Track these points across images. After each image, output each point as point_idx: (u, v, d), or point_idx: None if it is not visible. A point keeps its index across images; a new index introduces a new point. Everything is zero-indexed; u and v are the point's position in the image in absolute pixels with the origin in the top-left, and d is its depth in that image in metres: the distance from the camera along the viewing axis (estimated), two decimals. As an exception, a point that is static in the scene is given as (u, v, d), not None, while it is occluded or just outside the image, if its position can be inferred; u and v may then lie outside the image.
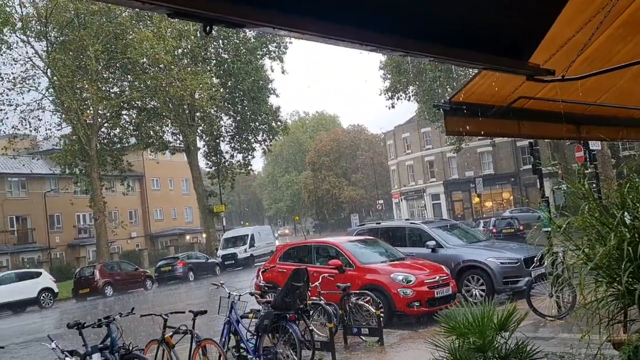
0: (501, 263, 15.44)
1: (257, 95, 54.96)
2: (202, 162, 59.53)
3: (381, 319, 11.81)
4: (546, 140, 37.37)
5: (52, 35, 46.01)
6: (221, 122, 56.81)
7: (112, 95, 48.98)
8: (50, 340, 8.49)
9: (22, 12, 44.62)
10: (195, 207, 66.26)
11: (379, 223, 20.98)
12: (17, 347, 18.71)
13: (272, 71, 67.51)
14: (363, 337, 12.03)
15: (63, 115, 46.50)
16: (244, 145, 57.98)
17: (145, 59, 45.87)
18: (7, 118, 44.58)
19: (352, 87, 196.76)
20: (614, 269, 4.81)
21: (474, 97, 5.63)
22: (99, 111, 47.66)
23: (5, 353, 16.06)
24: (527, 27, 3.90)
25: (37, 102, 46.39)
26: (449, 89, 49.75)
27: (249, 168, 60.88)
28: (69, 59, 44.76)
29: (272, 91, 57.48)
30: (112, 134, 52.62)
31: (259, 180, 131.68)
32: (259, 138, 58.68)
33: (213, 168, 58.36)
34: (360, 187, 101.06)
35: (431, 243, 16.60)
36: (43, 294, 35.99)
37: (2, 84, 44.07)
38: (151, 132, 52.16)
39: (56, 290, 37.16)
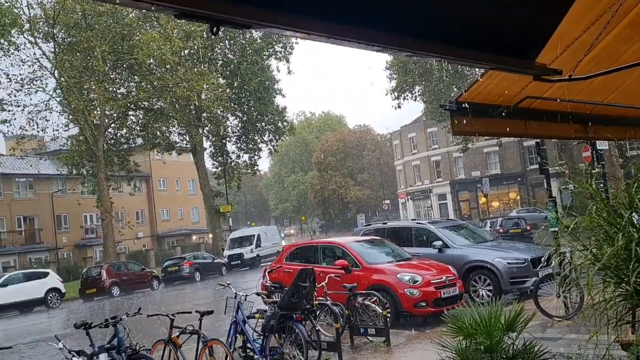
0: (508, 263, 15.40)
1: (263, 96, 54.98)
2: (209, 163, 59.70)
3: (388, 319, 11.79)
4: (553, 140, 37.26)
5: (60, 36, 46.17)
6: (227, 122, 56.90)
7: (119, 95, 49.12)
8: (58, 340, 8.50)
9: (29, 14, 44.87)
10: (201, 207, 66.33)
11: (386, 223, 20.95)
12: (24, 347, 18.74)
13: (279, 71, 67.91)
14: (369, 338, 12.02)
15: (70, 116, 46.63)
16: (250, 146, 58.02)
17: (152, 60, 45.96)
18: (15, 119, 44.76)
19: (358, 87, 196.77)
20: (622, 269, 4.79)
21: (481, 97, 5.62)
22: (106, 112, 47.78)
23: (13, 353, 16.10)
24: (533, 27, 3.89)
25: (45, 103, 46.64)
26: (455, 89, 49.66)
27: (255, 168, 60.89)
28: (76, 60, 44.91)
29: (278, 91, 57.55)
30: (119, 134, 52.75)
31: (265, 180, 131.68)
32: (265, 138, 58.77)
33: (219, 168, 58.39)
34: (366, 187, 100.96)
35: (438, 243, 16.57)
36: (50, 294, 36.08)
37: (10, 85, 44.30)
38: (158, 132, 52.29)
39: (63, 290, 37.24)
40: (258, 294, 12.04)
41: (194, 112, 52.28)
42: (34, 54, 45.72)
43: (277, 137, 59.26)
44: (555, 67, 4.49)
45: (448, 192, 79.01)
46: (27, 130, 45.58)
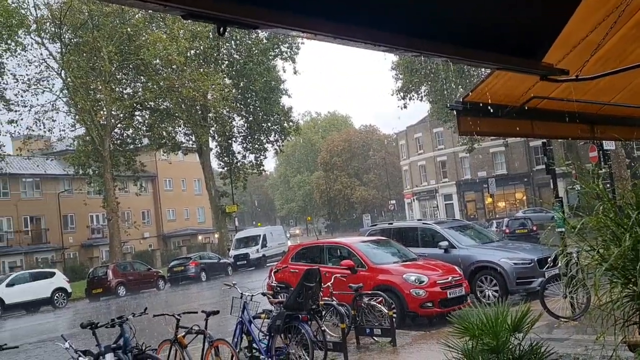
0: (514, 264, 15.37)
1: (269, 96, 55.05)
2: (215, 163, 59.79)
3: (394, 319, 11.78)
4: (559, 140, 37.19)
5: (66, 36, 46.29)
6: (233, 122, 56.98)
7: (125, 96, 49.23)
8: (64, 340, 8.51)
9: (36, 14, 45.05)
10: (207, 207, 66.45)
11: (391, 223, 20.95)
12: (31, 347, 18.82)
13: (284, 72, 67.85)
14: (375, 338, 12.01)
15: (77, 116, 46.76)
16: (256, 146, 58.08)
17: (158, 60, 46.09)
18: (22, 119, 44.89)
19: (364, 87, 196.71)
20: (629, 269, 4.78)
21: (487, 97, 5.61)
22: (112, 112, 47.88)
23: (20, 352, 16.16)
24: (540, 27, 3.88)
25: (51, 103, 46.81)
26: (461, 89, 49.57)
27: (261, 168, 60.97)
28: (82, 61, 45.05)
29: (284, 92, 57.59)
30: (125, 134, 52.87)
31: (271, 180, 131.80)
32: (271, 138, 58.81)
33: (225, 168, 58.47)
34: (372, 188, 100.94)
35: (444, 243, 16.54)
36: (57, 294, 36.19)
37: (17, 86, 44.49)
38: (164, 132, 52.40)
39: (69, 290, 37.36)
40: (264, 294, 12.04)
41: (200, 112, 52.34)
42: (41, 54, 46.11)
43: (282, 137, 59.31)
44: (562, 67, 4.48)
45: (454, 193, 78.92)
46: (33, 131, 45.74)
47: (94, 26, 44.77)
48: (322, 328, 10.71)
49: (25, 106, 44.78)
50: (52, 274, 37.87)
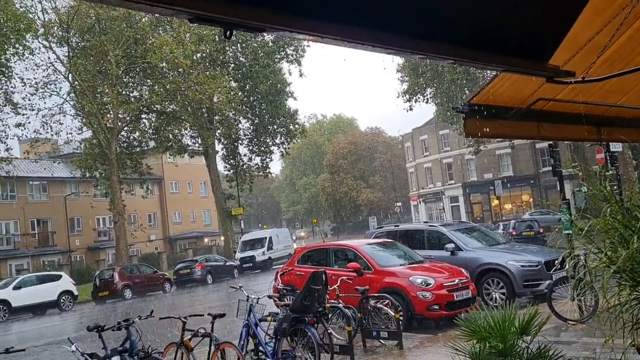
0: (521, 266, 15.33)
1: (274, 99, 55.15)
2: (221, 165, 59.91)
3: (400, 322, 11.76)
4: (566, 142, 37.12)
5: (74, 40, 46.51)
6: (239, 125, 57.09)
7: (132, 99, 49.38)
8: (70, 343, 8.53)
9: (44, 18, 45.28)
10: (213, 209, 66.53)
11: (398, 226, 20.93)
12: (37, 350, 18.85)
13: (290, 74, 67.96)
14: (382, 341, 11.99)
15: (84, 120, 46.87)
16: (262, 148, 58.15)
17: (164, 64, 46.23)
18: (29, 122, 45.29)
19: (369, 89, 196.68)
20: (637, 272, 4.76)
21: (493, 99, 5.61)
22: (119, 115, 48.00)
23: (26, 355, 16.20)
24: (546, 28, 3.87)
25: (59, 106, 47.03)
26: (467, 91, 49.55)
27: (267, 171, 61.06)
28: (89, 64, 45.21)
29: (289, 94, 57.65)
30: (131, 137, 52.99)
31: (277, 183, 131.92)
32: (277, 141, 58.88)
33: (231, 171, 58.58)
34: (378, 190, 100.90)
35: (450, 246, 16.53)
36: (63, 297, 36.26)
37: (25, 89, 44.71)
38: (170, 135, 52.52)
39: (76, 293, 37.43)
40: (270, 297, 12.02)
41: (206, 115, 52.46)
42: (49, 58, 46.11)
43: (288, 140, 59.37)
44: (568, 68, 4.47)
45: (460, 195, 78.82)
46: (41, 134, 45.97)
47: (101, 30, 44.94)
48: (329, 331, 10.70)
49: (33, 109, 45.00)
50: (58, 277, 37.95)
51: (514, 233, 37.34)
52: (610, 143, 19.53)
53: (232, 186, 60.34)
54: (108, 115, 47.29)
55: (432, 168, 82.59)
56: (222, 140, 56.55)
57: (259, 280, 33.61)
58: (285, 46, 55.22)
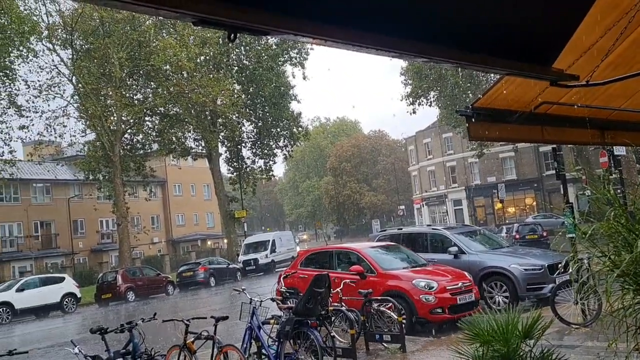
0: (525, 269, 15.31)
1: (278, 101, 55.21)
2: (224, 168, 59.88)
3: (403, 325, 11.76)
4: (569, 146, 37.08)
5: (78, 43, 46.55)
6: (243, 128, 57.06)
7: (136, 101, 49.39)
8: (74, 345, 8.55)
9: (48, 21, 45.36)
10: (216, 212, 66.54)
11: (401, 229, 20.92)
12: (40, 352, 18.86)
13: (294, 77, 68.00)
14: (385, 344, 11.98)
15: (87, 122, 46.90)
16: (266, 151, 58.18)
17: (168, 66, 46.26)
18: (33, 125, 45.27)
19: (373, 92, 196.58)
20: (640, 276, 4.75)
21: (497, 103, 5.61)
22: (123, 117, 48.03)
23: (30, 358, 16.19)
24: (550, 32, 3.88)
25: (62, 109, 46.99)
26: (470, 95, 49.54)
27: (270, 174, 61.09)
28: (93, 67, 45.26)
29: (293, 97, 57.71)
30: (135, 140, 53.02)
31: (280, 185, 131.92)
32: (280, 144, 58.89)
33: (234, 174, 58.59)
34: (381, 193, 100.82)
35: (453, 249, 16.52)
36: (66, 299, 36.27)
37: (29, 91, 44.67)
38: (173, 138, 52.54)
39: (79, 295, 37.42)
40: (273, 300, 12.04)
41: (209, 117, 52.50)
42: (52, 60, 46.12)
43: (292, 143, 59.41)
44: (572, 72, 4.47)
45: (463, 198, 78.74)
46: (44, 136, 45.94)
47: (105, 33, 45.01)
48: (332, 334, 10.69)
49: (37, 112, 45.01)
50: (61, 279, 37.96)
51: (517, 236, 37.28)
52: (614, 147, 19.54)
53: (236, 189, 60.36)
54: (111, 118, 47.30)
55: (435, 171, 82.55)
56: (226, 143, 56.58)
57: (262, 283, 33.62)
58: (289, 49, 55.28)
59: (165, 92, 47.46)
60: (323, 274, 11.19)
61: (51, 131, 46.10)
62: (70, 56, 45.97)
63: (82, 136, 49.15)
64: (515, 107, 5.70)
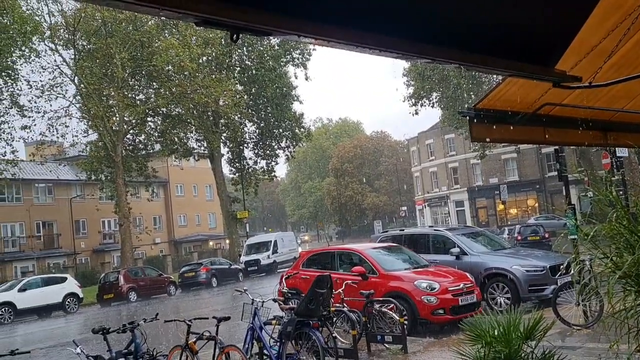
0: (527, 271, 15.30)
1: (280, 102, 55.24)
2: (226, 169, 59.91)
3: (405, 326, 11.75)
4: (572, 147, 37.06)
5: (80, 43, 46.57)
6: (245, 128, 57.08)
7: (138, 102, 49.41)
8: (75, 345, 8.55)
9: (50, 21, 45.35)
10: (218, 213, 66.59)
11: (403, 230, 20.91)
12: (42, 352, 18.88)
13: (296, 78, 68.03)
14: (386, 345, 11.98)
15: (89, 122, 46.93)
16: (268, 152, 58.21)
17: (170, 67, 46.27)
18: (35, 125, 45.33)
19: (375, 92, 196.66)
20: (642, 277, 4.75)
21: (500, 104, 5.61)
22: (125, 118, 48.08)
23: (31, 358, 16.21)
24: (553, 34, 3.88)
25: (65, 109, 47.01)
26: (473, 96, 49.53)
27: (273, 174, 61.07)
28: (95, 67, 45.30)
29: (295, 98, 57.68)
30: (137, 140, 53.06)
31: (282, 186, 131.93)
32: (283, 144, 58.93)
33: (237, 174, 58.61)
34: (383, 194, 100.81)
35: (455, 250, 16.51)
36: (68, 299, 36.29)
37: (31, 92, 44.86)
38: (176, 138, 52.55)
39: (81, 295, 37.46)
40: (275, 300, 12.03)
41: (211, 118, 52.53)
42: (55, 60, 46.29)
43: (294, 144, 59.42)
44: (574, 74, 4.47)
45: (465, 199, 78.71)
46: (46, 136, 45.96)
47: (107, 33, 45.02)
48: (333, 334, 10.70)
49: (39, 112, 45.05)
50: (63, 279, 37.98)
51: (519, 238, 37.23)
52: (617, 148, 19.52)
53: (238, 189, 60.38)
54: (114, 118, 47.35)
55: (437, 172, 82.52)
56: (228, 144, 56.60)
57: (264, 284, 33.61)
58: (292, 50, 55.29)
59: (167, 92, 47.48)
60: (325, 274, 11.19)
61: (53, 131, 46.20)
62: (73, 56, 46.01)
63: (85, 136, 49.24)
64: (517, 108, 5.70)
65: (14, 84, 42.60)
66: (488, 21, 3.39)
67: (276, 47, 54.60)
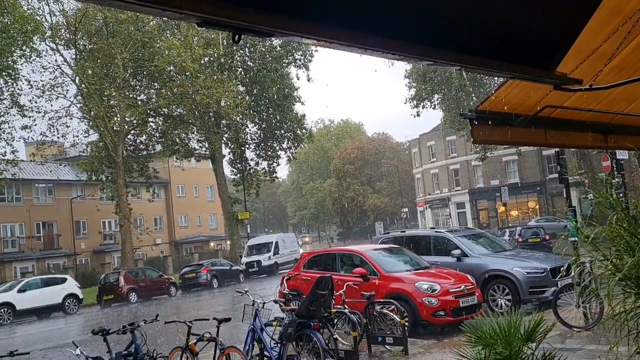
0: (527, 273, 15.32)
1: (282, 103, 55.28)
2: (227, 169, 59.93)
3: (406, 328, 11.75)
4: (573, 150, 37.06)
5: (81, 43, 46.58)
6: (246, 129, 57.14)
7: (139, 102, 49.45)
8: (75, 347, 8.55)
9: (51, 21, 45.36)
10: (219, 214, 66.58)
11: (404, 231, 20.91)
12: (41, 353, 18.87)
13: (298, 79, 68.06)
14: (387, 346, 11.98)
15: (90, 123, 46.91)
16: (269, 153, 58.23)
17: (172, 67, 46.29)
18: (36, 125, 45.27)
19: (377, 93, 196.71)
20: (642, 280, 4.75)
21: (501, 106, 5.61)
22: (126, 118, 48.06)
23: (30, 359, 16.21)
24: (554, 36, 3.88)
25: (65, 109, 46.99)
26: (474, 98, 49.54)
27: (274, 175, 61.10)
28: (97, 67, 45.32)
29: (297, 99, 57.70)
30: (138, 141, 53.08)
31: (284, 187, 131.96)
32: (284, 145, 58.97)
33: (238, 175, 58.65)
34: (384, 195, 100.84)
35: (456, 252, 16.52)
36: (68, 300, 36.25)
37: (32, 91, 44.75)
38: (177, 139, 52.55)
39: (81, 296, 37.40)
40: (276, 302, 12.04)
41: (213, 119, 52.54)
42: (56, 60, 46.49)
43: (295, 145, 59.45)
44: (575, 76, 4.48)
45: (467, 201, 78.73)
46: (47, 136, 45.92)
47: (108, 33, 45.02)
48: (334, 336, 10.70)
49: (39, 112, 44.97)
50: (63, 280, 37.94)
51: (520, 240, 37.24)
52: (617, 151, 19.52)
53: (239, 190, 60.40)
54: (115, 119, 47.34)
55: (438, 174, 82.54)
56: (229, 145, 56.61)
57: (265, 285, 33.61)
58: (294, 51, 55.33)
59: (169, 93, 47.51)
60: (326, 276, 11.20)
61: (54, 131, 46.17)
62: (74, 56, 46.01)
63: (85, 137, 49.23)
64: (518, 110, 5.71)
65: (15, 84, 42.59)
66: (489, 24, 3.40)
67: (278, 48, 54.64)
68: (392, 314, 12.09)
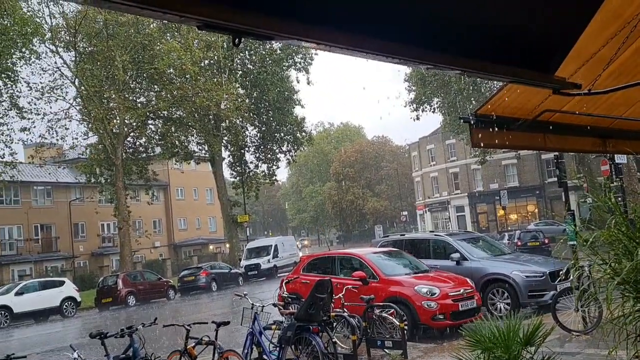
0: (526, 276, 15.33)
1: (282, 106, 55.28)
2: (227, 172, 59.92)
3: (405, 331, 11.74)
4: (571, 154, 37.06)
5: (81, 45, 46.56)
6: (246, 132, 57.10)
7: (139, 105, 49.43)
8: (73, 350, 8.53)
9: (51, 23, 45.40)
10: (219, 216, 66.52)
11: (403, 235, 20.91)
12: (39, 357, 18.83)
13: (298, 82, 68.06)
14: (386, 350, 11.97)
15: (90, 125, 46.90)
16: (269, 156, 58.22)
17: (172, 70, 46.26)
18: (35, 127, 45.07)
19: (377, 97, 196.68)
20: (641, 284, 4.76)
21: (500, 110, 5.63)
22: (126, 121, 48.05)
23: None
24: (553, 40, 3.89)
25: (64, 111, 47.01)
26: (473, 101, 49.59)
27: (274, 178, 61.06)
28: (96, 69, 45.30)
29: (297, 102, 57.72)
30: (137, 143, 53.04)
31: (283, 190, 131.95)
32: (284, 148, 58.93)
33: (237, 178, 58.59)
34: (384, 199, 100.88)
35: (456, 255, 16.53)
36: (66, 303, 36.13)
37: (31, 93, 44.72)
38: (177, 141, 52.49)
39: (79, 299, 37.25)
40: (275, 305, 12.03)
41: (213, 121, 52.52)
42: (55, 62, 46.52)
43: (295, 148, 59.43)
44: (574, 80, 4.49)
45: (466, 204, 78.79)
46: (46, 139, 45.88)
47: (108, 35, 45.02)
48: (333, 340, 10.69)
49: (39, 114, 45.00)
50: (61, 283, 37.81)
51: (519, 243, 37.24)
52: (615, 155, 19.54)
53: (238, 193, 60.35)
54: (114, 121, 47.30)
55: (438, 177, 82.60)
56: (229, 147, 56.56)
57: (264, 288, 33.58)
58: (294, 54, 55.38)
59: (168, 95, 47.49)
60: (325, 279, 11.20)
61: (53, 133, 46.16)
62: (73, 58, 45.97)
63: (84, 139, 49.25)
64: (518, 114, 5.72)
65: (14, 86, 42.59)
66: (488, 27, 3.40)
67: (278, 51, 54.65)
68: (391, 317, 12.07)
